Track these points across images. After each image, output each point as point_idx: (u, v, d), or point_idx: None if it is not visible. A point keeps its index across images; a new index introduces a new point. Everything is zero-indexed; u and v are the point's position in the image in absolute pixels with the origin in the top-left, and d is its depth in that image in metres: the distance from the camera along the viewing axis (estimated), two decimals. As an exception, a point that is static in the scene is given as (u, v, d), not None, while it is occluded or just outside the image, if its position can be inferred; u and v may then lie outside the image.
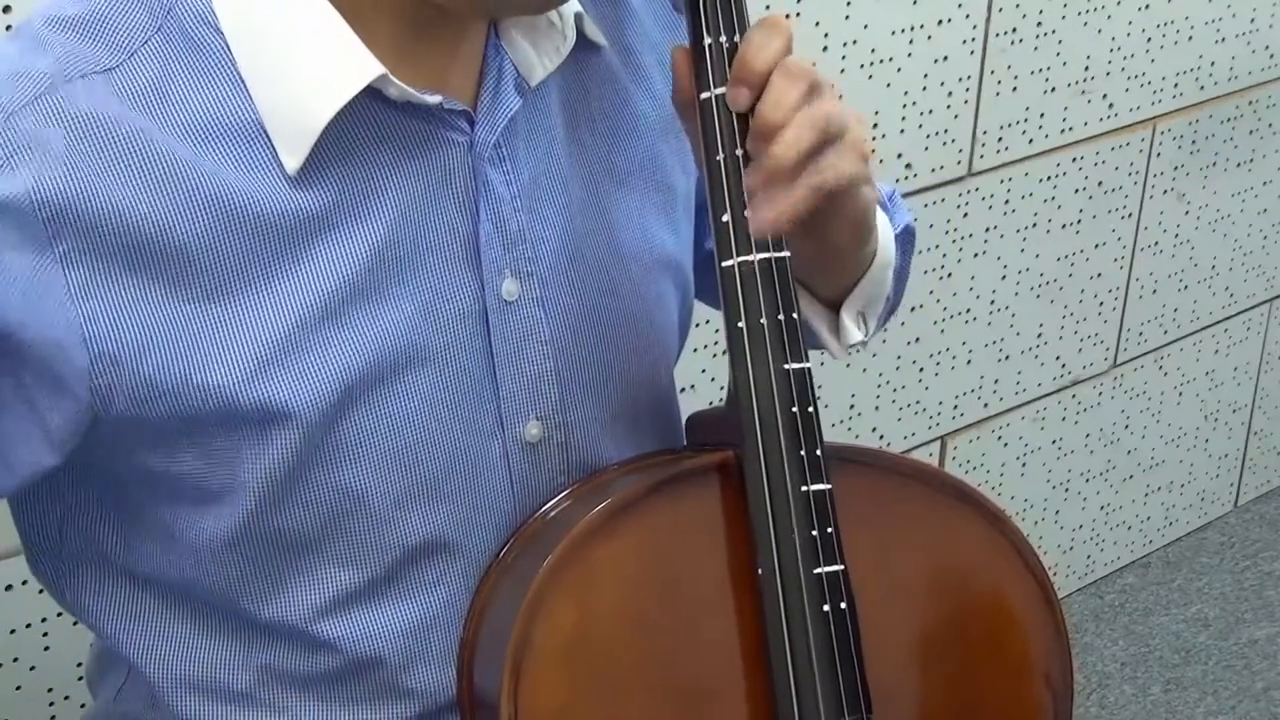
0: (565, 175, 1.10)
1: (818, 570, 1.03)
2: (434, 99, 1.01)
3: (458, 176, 1.04)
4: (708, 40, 1.02)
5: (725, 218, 1.02)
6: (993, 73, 2.26)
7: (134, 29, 0.97)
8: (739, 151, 1.02)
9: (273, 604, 1.06)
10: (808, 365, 1.03)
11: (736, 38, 1.03)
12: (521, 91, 1.06)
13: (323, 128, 0.98)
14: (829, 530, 1.03)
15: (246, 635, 1.08)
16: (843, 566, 1.03)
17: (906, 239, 1.26)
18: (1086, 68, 2.37)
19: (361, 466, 1.03)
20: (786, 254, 1.03)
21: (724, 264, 1.03)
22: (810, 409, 1.03)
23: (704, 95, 1.03)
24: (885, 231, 1.18)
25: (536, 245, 1.08)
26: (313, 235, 1.00)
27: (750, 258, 1.02)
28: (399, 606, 1.08)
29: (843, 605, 1.03)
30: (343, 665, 1.09)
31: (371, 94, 0.99)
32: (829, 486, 1.03)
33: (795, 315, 1.03)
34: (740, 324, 1.02)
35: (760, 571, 1.03)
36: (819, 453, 1.03)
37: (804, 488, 1.02)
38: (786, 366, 1.02)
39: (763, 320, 1.02)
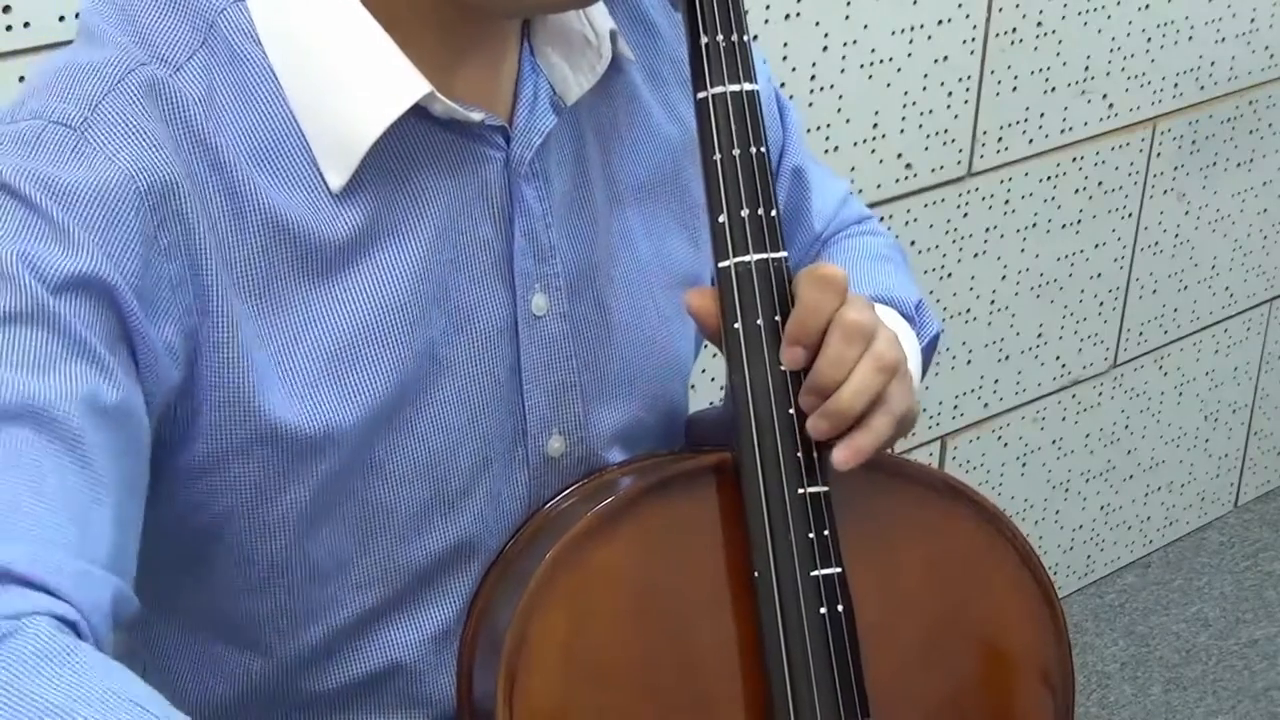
0: (591, 191, 1.10)
1: (814, 573, 1.02)
2: (477, 116, 1.01)
3: (494, 192, 1.04)
4: (704, 40, 1.02)
5: (722, 219, 1.02)
6: (993, 73, 2.25)
7: (179, 43, 0.96)
8: (736, 152, 1.02)
9: (297, 634, 1.05)
10: (804, 366, 1.03)
11: (734, 37, 1.02)
12: (557, 110, 1.06)
13: (369, 146, 0.97)
14: (825, 533, 1.02)
15: (267, 656, 1.07)
16: (840, 569, 1.03)
17: (933, 346, 1.27)
18: (1086, 68, 2.37)
19: (391, 481, 1.03)
20: (783, 254, 1.03)
21: (720, 265, 1.02)
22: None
23: (700, 96, 1.03)
24: (914, 361, 1.19)
25: (565, 260, 1.08)
26: (357, 254, 0.99)
27: (747, 258, 1.02)
28: (418, 617, 1.08)
29: (839, 608, 1.03)
30: (362, 676, 1.08)
31: (415, 110, 0.98)
32: (826, 488, 1.03)
33: (792, 316, 1.03)
34: (737, 325, 1.02)
35: (757, 574, 1.02)
36: (815, 455, 1.03)
37: (800, 490, 1.02)
38: (782, 368, 1.02)
39: (759, 321, 1.02)
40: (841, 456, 1.01)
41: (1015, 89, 2.29)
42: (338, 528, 1.02)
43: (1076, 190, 2.45)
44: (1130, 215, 2.55)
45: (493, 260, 1.05)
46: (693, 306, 1.04)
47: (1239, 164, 2.67)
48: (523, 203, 1.05)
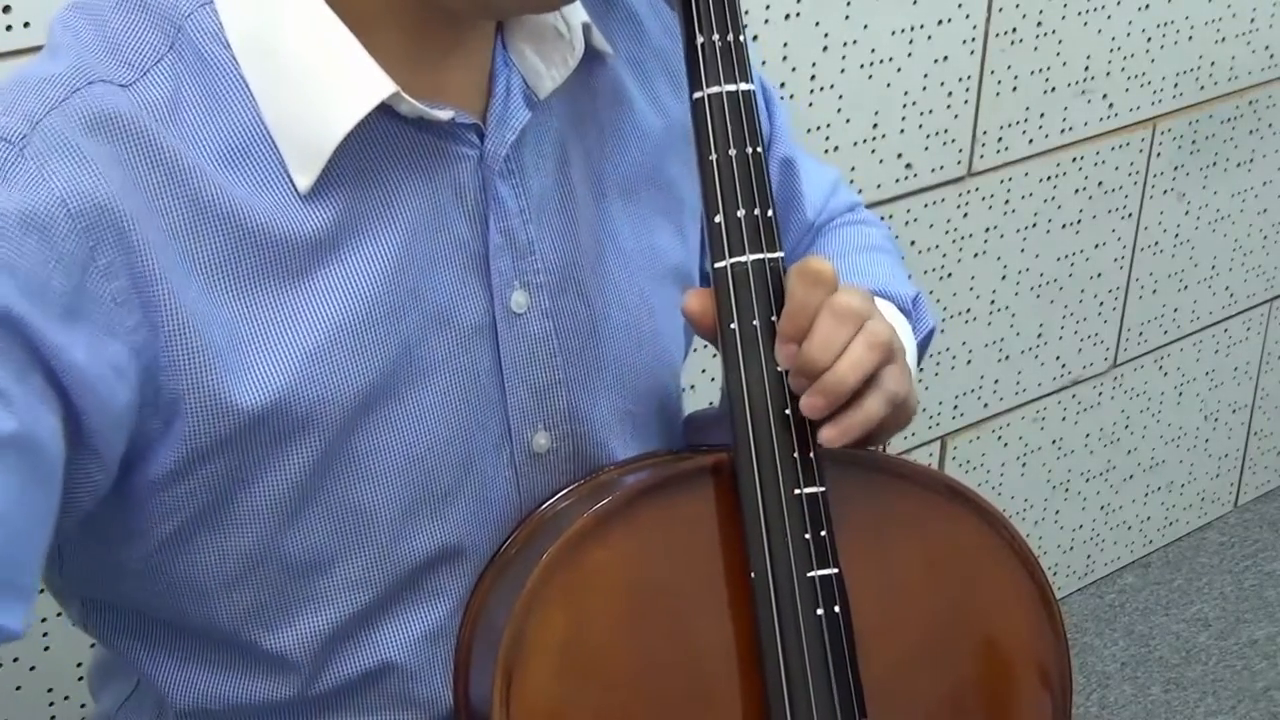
0: (572, 185, 1.10)
1: (811, 574, 1.02)
2: (445, 114, 1.01)
3: (468, 190, 1.04)
4: (700, 40, 1.02)
5: (718, 219, 1.02)
6: (993, 73, 2.25)
7: (146, 48, 0.96)
8: (732, 152, 1.02)
9: (282, 634, 1.05)
10: None
11: (730, 36, 1.02)
12: (530, 104, 1.06)
13: (335, 147, 0.97)
14: (822, 533, 1.02)
15: (254, 657, 1.07)
16: (836, 570, 1.03)
17: (927, 341, 1.27)
18: (1086, 68, 2.37)
19: (372, 481, 1.03)
20: (780, 254, 1.03)
21: (716, 265, 1.03)
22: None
23: (696, 95, 1.03)
24: (910, 355, 1.19)
25: (545, 257, 1.08)
26: (327, 253, 0.99)
27: (743, 259, 1.02)
28: (406, 619, 1.08)
29: (836, 609, 1.03)
30: (351, 678, 1.08)
31: (383, 110, 0.98)
32: (823, 489, 1.03)
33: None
34: (733, 325, 1.02)
35: (754, 575, 1.02)
36: (812, 455, 1.03)
37: (797, 490, 1.02)
38: (779, 368, 1.02)
39: (755, 322, 1.02)
40: (829, 434, 1.01)
41: (1015, 89, 2.29)
42: (318, 525, 1.02)
43: (1076, 190, 2.45)
44: (1130, 215, 2.55)
45: (469, 259, 1.05)
46: (689, 309, 1.04)
47: (1239, 164, 2.67)
48: (498, 200, 1.05)
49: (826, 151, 2.10)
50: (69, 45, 0.96)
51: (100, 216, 0.92)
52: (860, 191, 2.16)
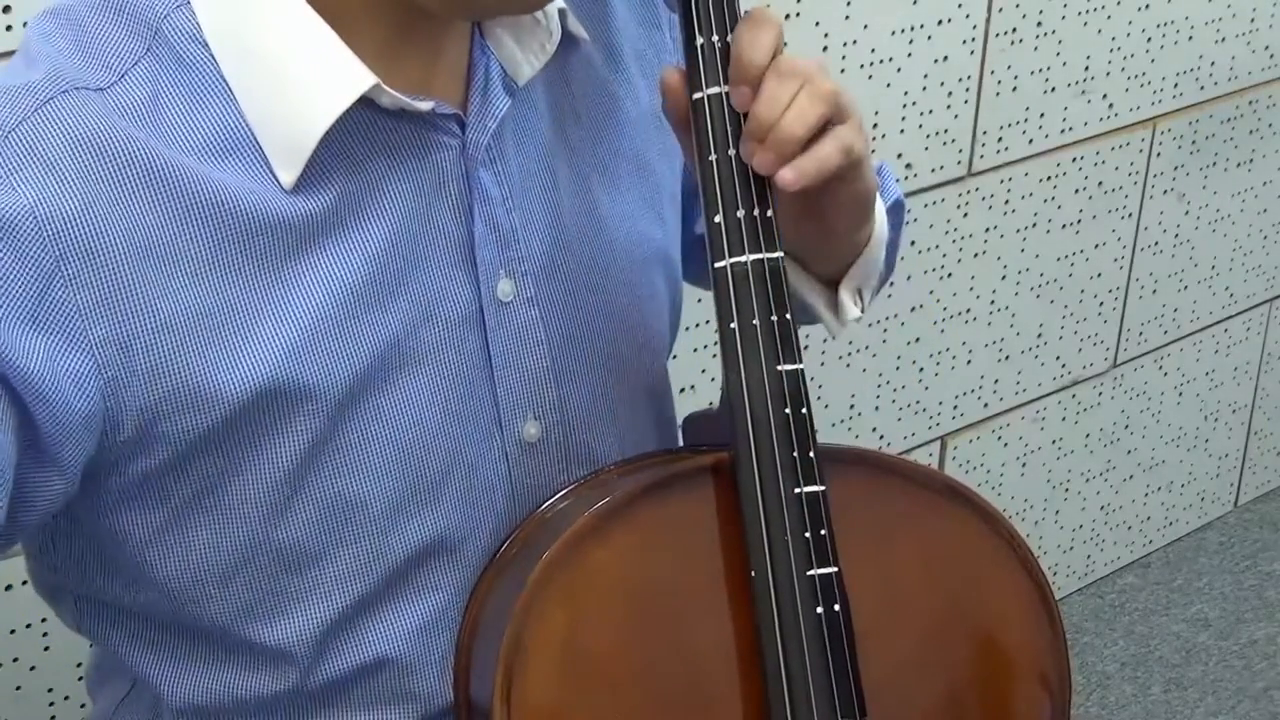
0: (553, 171, 1.10)
1: (811, 573, 1.02)
2: (426, 105, 1.01)
3: (451, 180, 1.04)
4: (700, 40, 1.02)
5: (718, 219, 1.02)
6: (993, 73, 2.26)
7: (122, 52, 0.96)
8: (732, 152, 1.02)
9: (276, 628, 1.06)
10: (800, 367, 1.03)
11: (729, 38, 1.03)
12: (510, 91, 1.06)
13: (317, 142, 0.97)
14: (822, 532, 1.02)
15: (249, 653, 1.07)
16: (836, 569, 1.03)
17: (896, 211, 1.26)
18: (1086, 68, 2.37)
19: (362, 473, 1.03)
20: (779, 254, 1.03)
21: (716, 265, 1.02)
22: (803, 410, 1.03)
23: (696, 96, 1.03)
24: (878, 206, 1.19)
25: (529, 244, 1.08)
26: (311, 246, 0.99)
27: (743, 259, 1.02)
28: (400, 612, 1.08)
29: (836, 608, 1.03)
30: (346, 672, 1.08)
31: (363, 103, 0.98)
32: (822, 488, 1.03)
33: (788, 316, 1.03)
34: (732, 325, 1.02)
35: (754, 574, 1.02)
36: (812, 454, 1.03)
37: (796, 490, 1.02)
38: (779, 368, 1.02)
39: (755, 321, 1.02)
40: (786, 176, 1.00)
41: (1015, 89, 2.29)
42: (309, 517, 1.03)
43: (1076, 190, 2.45)
44: (1130, 215, 2.55)
45: (454, 249, 1.05)
46: (664, 77, 1.03)
47: (1239, 164, 2.67)
48: (481, 189, 1.05)
49: (826, 151, 2.09)
50: (45, 52, 0.96)
51: (69, 227, 0.92)
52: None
